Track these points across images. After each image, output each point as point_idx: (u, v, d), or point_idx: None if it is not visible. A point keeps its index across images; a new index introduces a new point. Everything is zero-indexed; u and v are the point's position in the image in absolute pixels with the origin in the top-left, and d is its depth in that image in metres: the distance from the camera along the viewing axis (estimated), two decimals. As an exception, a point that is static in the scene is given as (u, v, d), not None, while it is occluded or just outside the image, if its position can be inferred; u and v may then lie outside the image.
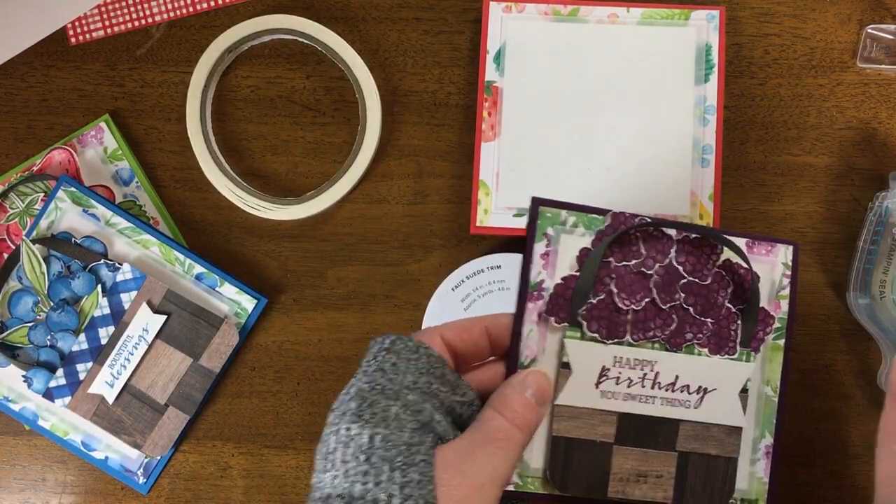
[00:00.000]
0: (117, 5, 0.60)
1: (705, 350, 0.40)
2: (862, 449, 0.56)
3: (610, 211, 0.40)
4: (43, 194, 0.59)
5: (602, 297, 0.39)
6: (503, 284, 0.53)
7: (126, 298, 0.57)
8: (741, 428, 0.41)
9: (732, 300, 0.41)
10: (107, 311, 0.57)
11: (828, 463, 0.56)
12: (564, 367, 0.39)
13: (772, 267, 0.42)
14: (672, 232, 0.40)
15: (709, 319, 0.40)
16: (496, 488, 0.34)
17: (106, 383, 0.56)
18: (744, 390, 0.41)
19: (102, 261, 0.57)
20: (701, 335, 0.40)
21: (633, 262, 0.40)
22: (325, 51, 0.58)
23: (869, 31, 0.58)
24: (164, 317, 0.56)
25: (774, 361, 0.42)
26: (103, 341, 0.57)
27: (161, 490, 0.57)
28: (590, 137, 0.56)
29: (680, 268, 0.40)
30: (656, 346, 0.40)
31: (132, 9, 0.60)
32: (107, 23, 0.60)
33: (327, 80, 0.59)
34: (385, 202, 0.59)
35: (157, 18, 0.60)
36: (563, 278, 0.39)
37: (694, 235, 0.41)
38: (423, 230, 0.58)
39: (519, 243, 0.58)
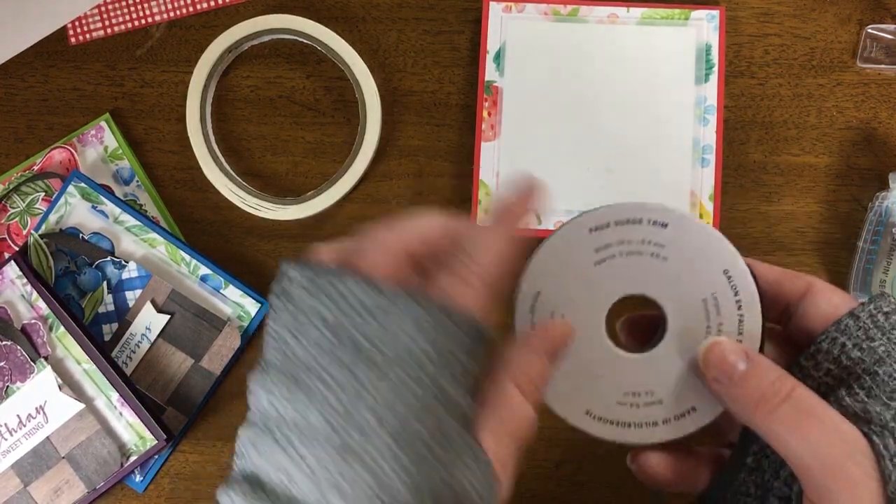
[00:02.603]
0: (117, 5, 0.60)
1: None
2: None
3: None
4: (44, 193, 0.59)
5: None
6: (661, 251, 0.35)
7: (131, 296, 0.57)
8: (82, 409, 0.54)
9: None
10: (111, 308, 0.57)
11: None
12: None
13: None
14: None
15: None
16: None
17: (107, 383, 0.56)
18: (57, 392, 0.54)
19: (109, 258, 0.57)
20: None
21: None
22: (325, 51, 0.58)
23: (869, 31, 0.58)
24: (168, 316, 0.57)
25: (65, 344, 0.55)
26: (107, 338, 0.57)
27: (161, 490, 0.57)
28: (590, 137, 0.56)
29: None
30: None
31: (132, 9, 0.60)
32: (107, 23, 0.60)
33: (327, 80, 0.59)
34: (385, 202, 0.59)
35: (157, 18, 0.60)
36: None
37: None
38: (423, 230, 0.58)
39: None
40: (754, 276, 0.34)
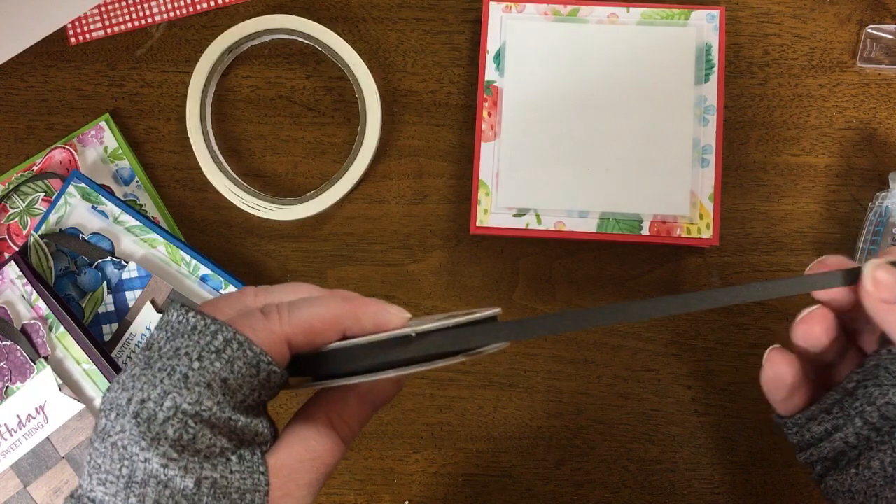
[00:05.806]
0: (117, 5, 0.60)
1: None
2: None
3: None
4: (44, 193, 0.59)
5: None
6: None
7: (131, 296, 0.57)
8: (82, 409, 0.54)
9: None
10: (111, 308, 0.57)
11: (827, 463, 0.56)
12: None
13: None
14: None
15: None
16: None
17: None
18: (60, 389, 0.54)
19: (109, 258, 0.57)
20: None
21: None
22: (325, 51, 0.58)
23: (869, 31, 0.58)
24: (165, 317, 0.57)
25: (65, 344, 0.54)
26: (107, 338, 0.57)
27: (162, 490, 0.57)
28: (590, 137, 0.56)
29: None
30: None
31: (132, 9, 0.60)
32: (107, 23, 0.60)
33: (327, 80, 0.60)
34: (385, 202, 0.59)
35: (157, 18, 0.60)
36: None
37: None
38: (423, 230, 0.58)
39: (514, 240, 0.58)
40: None
